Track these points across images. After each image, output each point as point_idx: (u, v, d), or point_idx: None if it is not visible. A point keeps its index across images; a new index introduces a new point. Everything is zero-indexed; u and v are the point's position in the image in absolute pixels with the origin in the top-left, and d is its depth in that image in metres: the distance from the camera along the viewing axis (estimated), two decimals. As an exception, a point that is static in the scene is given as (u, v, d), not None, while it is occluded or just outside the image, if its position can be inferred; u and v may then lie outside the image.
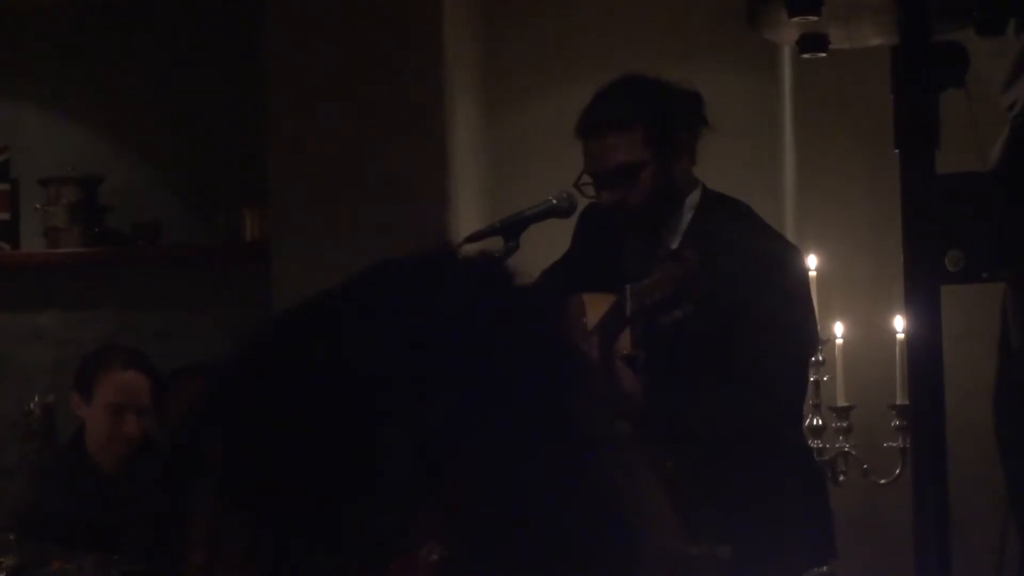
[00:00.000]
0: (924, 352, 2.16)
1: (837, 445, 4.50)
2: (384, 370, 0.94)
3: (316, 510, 0.92)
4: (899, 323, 4.37)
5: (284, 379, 0.95)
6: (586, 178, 3.43)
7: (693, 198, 3.45)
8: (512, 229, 3.37)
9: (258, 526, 0.93)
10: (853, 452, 4.50)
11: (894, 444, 4.47)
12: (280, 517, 0.93)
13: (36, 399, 5.22)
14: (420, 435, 0.92)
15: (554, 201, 3.43)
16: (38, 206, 5.51)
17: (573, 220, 3.59)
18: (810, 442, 4.27)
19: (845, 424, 4.50)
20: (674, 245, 3.37)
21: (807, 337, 3.53)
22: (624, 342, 3.27)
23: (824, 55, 2.35)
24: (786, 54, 4.78)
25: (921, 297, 2.16)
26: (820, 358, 4.47)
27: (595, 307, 3.33)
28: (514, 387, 0.95)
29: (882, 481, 4.49)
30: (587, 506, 0.95)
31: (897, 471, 4.44)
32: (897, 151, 2.19)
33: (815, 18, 2.24)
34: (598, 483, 0.96)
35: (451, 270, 1.01)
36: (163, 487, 1.02)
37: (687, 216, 3.44)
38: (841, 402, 4.51)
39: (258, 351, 0.99)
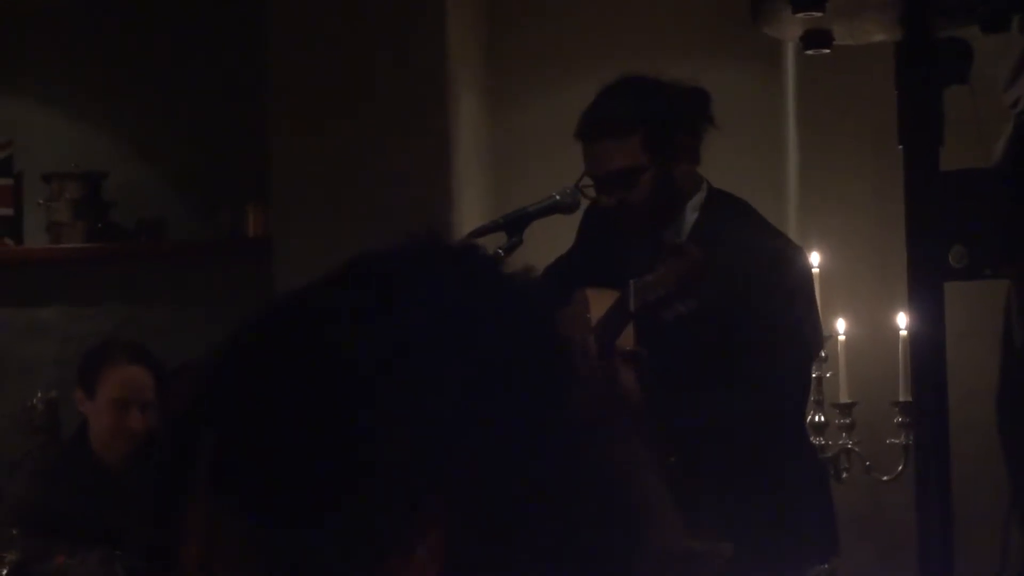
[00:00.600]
0: (927, 349, 2.16)
1: (840, 442, 4.50)
2: (380, 363, 0.93)
3: (314, 505, 0.92)
4: (902, 320, 4.36)
5: (276, 373, 0.95)
6: (587, 179, 3.43)
7: (698, 198, 3.44)
8: (516, 225, 3.37)
9: (255, 522, 0.93)
10: (856, 449, 4.50)
11: (897, 441, 4.47)
12: (277, 513, 0.93)
13: (39, 394, 5.22)
14: (417, 429, 0.92)
15: (558, 197, 3.43)
16: (41, 201, 5.51)
17: (577, 216, 3.59)
18: (813, 439, 4.27)
19: (848, 421, 4.50)
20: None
21: (811, 336, 3.52)
22: (627, 339, 3.27)
23: (828, 51, 2.35)
24: (789, 51, 4.78)
25: (924, 294, 2.16)
26: (823, 355, 4.46)
27: (599, 303, 3.33)
28: (513, 380, 0.95)
29: (885, 478, 4.49)
30: (591, 499, 0.95)
31: (900, 468, 4.44)
32: (901, 147, 2.19)
33: (819, 14, 2.24)
34: (602, 475, 0.96)
35: (441, 259, 1.01)
36: (158, 485, 1.02)
37: (691, 217, 3.43)
38: (844, 399, 4.51)
39: (249, 345, 0.99)
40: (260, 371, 0.96)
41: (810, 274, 3.63)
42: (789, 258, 3.41)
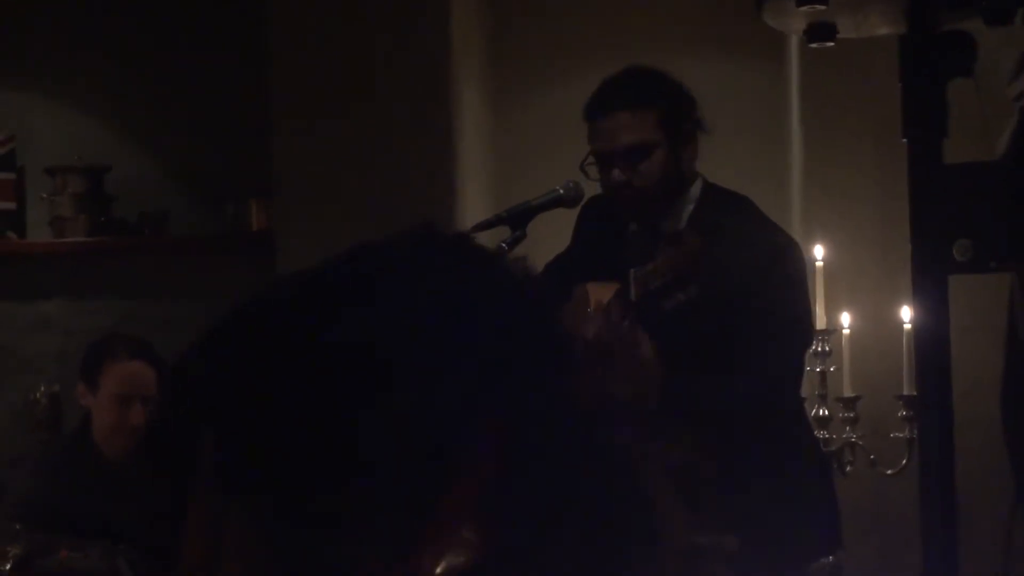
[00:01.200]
0: (931, 342, 2.16)
1: (844, 436, 4.50)
2: (380, 360, 0.93)
3: (315, 504, 0.91)
4: (906, 313, 4.36)
5: (275, 370, 0.94)
6: (590, 160, 3.43)
7: (694, 190, 3.46)
8: (519, 219, 3.37)
9: (257, 521, 0.93)
10: (860, 443, 4.50)
11: (901, 435, 4.46)
12: (279, 511, 0.92)
13: (42, 389, 5.22)
14: (416, 427, 0.91)
15: (561, 191, 3.43)
16: (44, 195, 5.51)
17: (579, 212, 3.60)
18: (817, 433, 4.26)
19: (852, 415, 4.50)
20: (676, 233, 3.38)
21: (808, 327, 3.56)
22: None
23: (832, 45, 2.35)
24: (793, 44, 4.77)
25: (928, 287, 2.16)
26: (827, 348, 4.46)
27: (599, 297, 3.32)
28: (512, 373, 0.94)
29: (889, 472, 4.48)
30: (600, 488, 0.95)
31: (904, 462, 4.43)
32: (905, 141, 2.19)
33: (823, 7, 2.24)
34: (608, 464, 0.96)
35: (438, 251, 1.00)
36: (159, 485, 1.01)
37: (688, 208, 3.45)
38: (848, 393, 4.51)
39: (245, 340, 0.98)
40: (259, 369, 0.95)
41: (805, 268, 3.64)
42: (789, 249, 3.44)
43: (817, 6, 2.24)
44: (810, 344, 3.75)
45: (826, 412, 4.49)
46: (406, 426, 0.91)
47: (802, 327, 3.47)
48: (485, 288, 0.97)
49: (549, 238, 3.55)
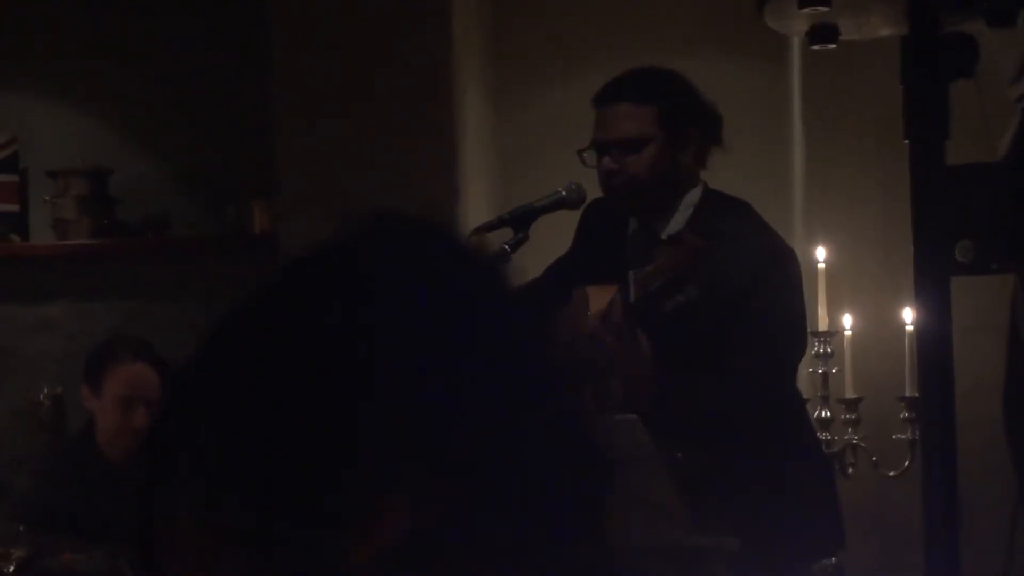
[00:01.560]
0: (933, 344, 2.16)
1: (846, 437, 4.50)
2: (359, 351, 0.93)
3: (316, 499, 0.92)
4: (908, 315, 4.36)
5: (275, 367, 0.95)
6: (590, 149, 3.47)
7: (694, 195, 3.47)
8: (521, 220, 3.38)
9: (258, 519, 0.93)
10: (862, 444, 4.49)
11: (903, 436, 4.46)
12: (280, 508, 0.92)
13: (45, 390, 5.22)
14: (414, 415, 0.92)
15: (563, 192, 3.44)
16: (47, 198, 5.51)
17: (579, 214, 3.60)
18: (818, 434, 4.27)
19: (854, 416, 4.49)
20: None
21: (804, 331, 3.58)
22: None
23: (834, 47, 2.35)
24: (795, 46, 4.78)
25: (931, 289, 2.16)
26: (829, 350, 4.46)
27: (599, 299, 3.33)
28: (491, 369, 0.94)
29: (891, 473, 4.48)
30: (572, 489, 0.95)
31: (906, 463, 4.43)
32: (907, 142, 2.19)
33: (825, 9, 2.24)
34: (583, 464, 0.96)
35: (418, 245, 1.00)
36: (147, 487, 1.02)
37: (687, 212, 3.45)
38: (850, 394, 4.50)
39: (244, 336, 0.98)
40: (257, 368, 0.96)
41: (801, 274, 3.65)
42: (787, 254, 3.45)
43: (819, 8, 2.24)
44: (804, 349, 3.76)
45: (828, 414, 4.49)
46: (406, 425, 0.92)
47: (799, 329, 3.48)
48: (482, 287, 0.98)
49: (551, 240, 3.56)
